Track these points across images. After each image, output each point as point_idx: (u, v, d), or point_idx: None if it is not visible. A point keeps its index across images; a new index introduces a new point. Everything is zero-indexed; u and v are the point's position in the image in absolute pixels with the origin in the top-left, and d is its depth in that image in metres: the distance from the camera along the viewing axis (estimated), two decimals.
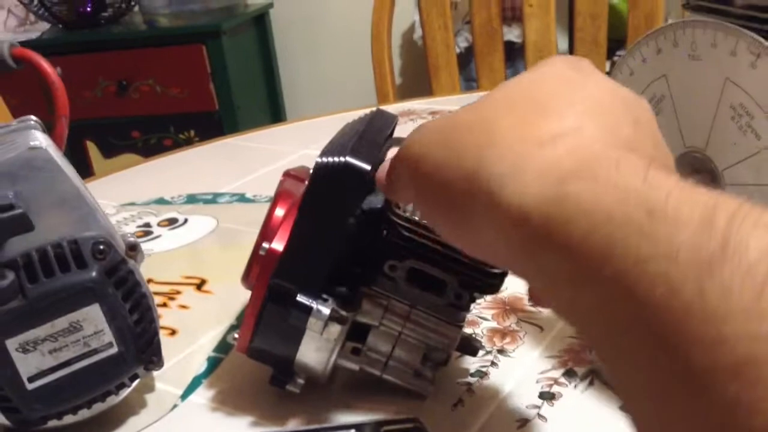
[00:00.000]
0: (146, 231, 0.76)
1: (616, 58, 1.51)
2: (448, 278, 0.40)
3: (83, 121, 1.93)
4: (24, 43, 0.44)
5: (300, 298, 0.39)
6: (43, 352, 0.40)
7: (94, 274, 0.40)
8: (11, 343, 0.39)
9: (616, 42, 1.37)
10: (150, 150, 2.06)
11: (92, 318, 0.40)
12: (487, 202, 0.24)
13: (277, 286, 0.40)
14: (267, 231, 0.43)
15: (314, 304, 0.39)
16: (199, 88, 2.03)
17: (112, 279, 0.41)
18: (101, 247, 0.41)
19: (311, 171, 0.39)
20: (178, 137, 2.09)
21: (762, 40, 0.34)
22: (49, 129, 0.46)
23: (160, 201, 0.84)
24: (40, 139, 0.41)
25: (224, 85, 2.03)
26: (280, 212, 0.43)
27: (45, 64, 0.43)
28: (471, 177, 0.25)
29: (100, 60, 2.02)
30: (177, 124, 2.08)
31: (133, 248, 0.44)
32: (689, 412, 0.18)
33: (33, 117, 0.45)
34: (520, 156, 0.24)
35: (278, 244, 0.41)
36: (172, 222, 0.78)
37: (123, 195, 0.86)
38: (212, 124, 2.04)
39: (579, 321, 0.22)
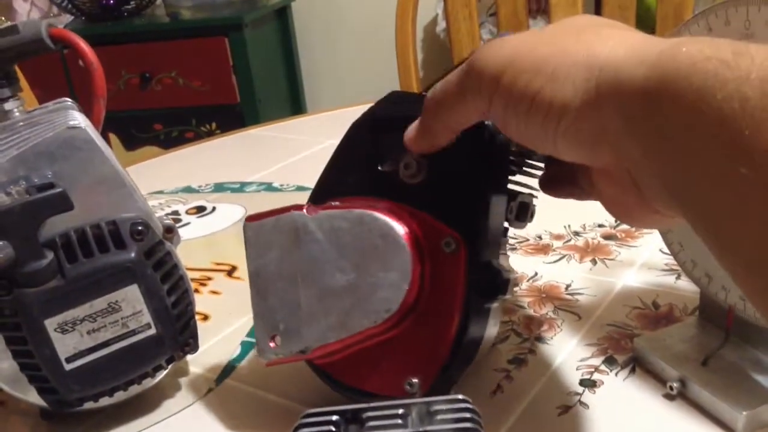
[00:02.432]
0: (175, 219, 0.75)
1: None
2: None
3: (106, 114, 1.93)
4: None
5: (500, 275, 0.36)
6: (82, 333, 0.40)
7: (132, 254, 0.40)
8: (50, 323, 0.39)
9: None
10: (172, 143, 2.06)
11: (130, 299, 0.40)
12: (604, 79, 0.27)
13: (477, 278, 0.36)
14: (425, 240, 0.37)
15: (507, 275, 0.37)
16: (220, 81, 2.03)
17: (151, 260, 0.41)
18: (140, 228, 0.41)
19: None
20: (200, 130, 2.09)
21: None
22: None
23: (188, 189, 0.84)
24: (78, 118, 0.41)
25: (246, 78, 2.03)
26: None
27: (83, 45, 0.42)
28: (582, 62, 0.28)
29: (123, 52, 2.03)
30: (199, 116, 2.08)
31: (170, 230, 0.44)
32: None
33: (69, 99, 0.45)
34: (625, 41, 0.27)
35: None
36: (200, 210, 0.78)
37: (150, 184, 0.86)
38: (234, 117, 2.04)
39: (677, 167, 0.25)
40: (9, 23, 0.42)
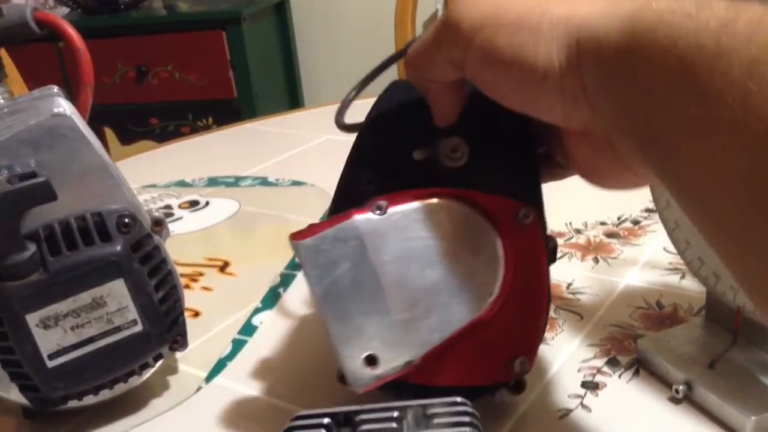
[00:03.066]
0: (167, 213, 0.74)
1: None
2: None
3: (101, 107, 1.92)
4: None
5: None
6: (65, 329, 0.38)
7: (118, 248, 0.38)
8: (31, 319, 0.37)
9: None
10: (167, 137, 2.05)
11: (116, 294, 0.39)
12: (584, 35, 0.27)
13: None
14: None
15: None
16: (218, 75, 2.01)
17: (138, 254, 0.39)
18: (126, 220, 0.39)
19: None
20: (196, 124, 2.07)
21: None
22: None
23: (181, 183, 0.82)
24: (64, 106, 0.40)
25: (243, 73, 2.01)
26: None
27: (70, 29, 0.41)
28: (564, 18, 0.27)
29: (119, 45, 2.01)
30: (195, 111, 2.06)
31: (159, 223, 0.43)
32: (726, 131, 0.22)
33: (55, 86, 0.44)
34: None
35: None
36: (193, 204, 0.76)
37: (143, 177, 0.84)
38: (230, 112, 2.02)
39: (647, 115, 0.25)
40: None
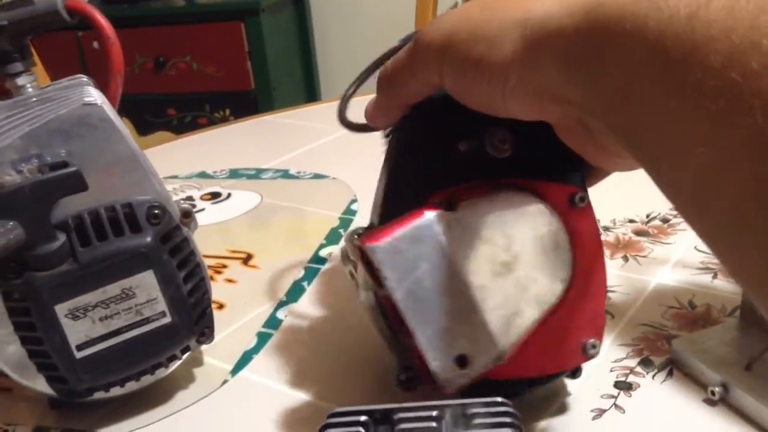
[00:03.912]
0: (190, 204, 0.73)
1: None
2: None
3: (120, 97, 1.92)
4: None
5: None
6: (94, 320, 0.38)
7: (148, 239, 0.38)
8: (60, 309, 0.37)
9: None
10: (184, 128, 2.05)
11: (145, 285, 0.38)
12: (536, 33, 0.27)
13: None
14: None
15: None
16: (235, 67, 2.01)
17: (167, 245, 0.39)
18: (156, 211, 0.39)
19: None
20: (213, 116, 2.07)
21: None
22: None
23: (203, 175, 0.82)
24: (94, 95, 0.39)
25: (261, 65, 2.01)
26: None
27: (101, 18, 0.40)
28: (519, 21, 0.28)
29: (138, 36, 2.01)
30: (212, 102, 2.06)
31: (187, 215, 0.42)
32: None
33: (84, 75, 0.43)
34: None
35: None
36: (215, 196, 0.76)
37: (164, 168, 0.84)
38: (248, 104, 2.02)
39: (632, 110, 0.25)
40: None
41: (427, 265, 0.33)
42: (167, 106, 2.09)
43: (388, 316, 0.37)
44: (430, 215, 0.34)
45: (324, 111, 1.06)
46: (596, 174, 0.37)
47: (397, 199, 0.36)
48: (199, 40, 2.01)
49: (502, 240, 0.34)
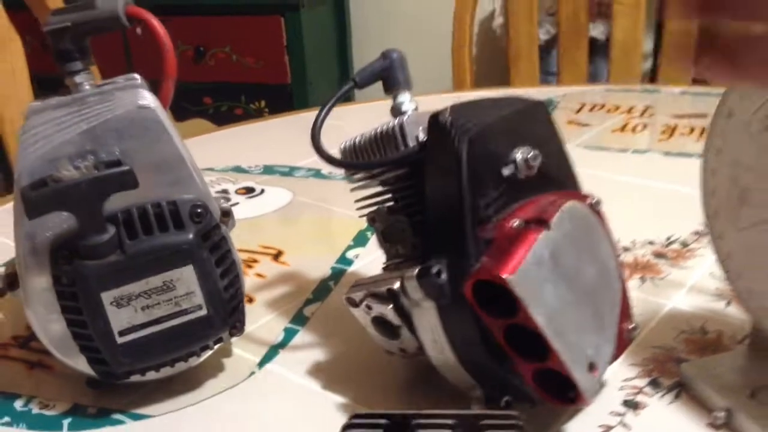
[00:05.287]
0: (224, 198, 0.76)
1: None
2: None
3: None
4: None
5: None
6: (136, 308, 0.40)
7: (190, 236, 0.41)
8: (106, 297, 0.40)
9: None
10: (220, 117, 2.08)
11: (185, 279, 0.41)
12: None
13: None
14: None
15: None
16: (273, 60, 2.04)
17: (207, 243, 0.41)
18: (199, 210, 0.41)
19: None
20: (249, 107, 2.11)
21: None
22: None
23: (238, 169, 0.85)
24: (148, 98, 0.42)
25: (299, 59, 2.04)
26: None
27: (157, 25, 0.43)
28: None
29: (180, 24, 2.05)
30: (249, 93, 2.10)
31: (226, 214, 0.45)
32: None
33: (137, 76, 0.46)
34: None
35: None
36: (249, 191, 0.78)
37: (200, 160, 0.86)
38: (283, 97, 2.05)
39: None
40: None
41: (550, 286, 0.35)
42: (204, 95, 2.13)
43: (495, 346, 0.36)
44: (541, 237, 0.35)
45: (358, 113, 1.07)
46: None
47: (444, 227, 0.38)
48: (240, 31, 2.04)
49: (586, 249, 0.38)
